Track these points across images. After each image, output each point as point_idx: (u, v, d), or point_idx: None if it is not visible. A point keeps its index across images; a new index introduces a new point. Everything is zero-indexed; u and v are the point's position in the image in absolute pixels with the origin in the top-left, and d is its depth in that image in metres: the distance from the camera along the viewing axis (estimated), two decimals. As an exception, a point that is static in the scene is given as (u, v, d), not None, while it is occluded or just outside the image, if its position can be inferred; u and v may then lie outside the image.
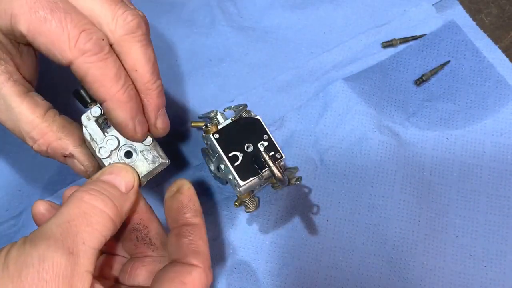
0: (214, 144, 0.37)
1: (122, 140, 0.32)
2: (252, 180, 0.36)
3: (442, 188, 0.44)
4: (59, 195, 0.43)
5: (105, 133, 0.32)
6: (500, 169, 0.44)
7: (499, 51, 0.48)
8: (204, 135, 0.38)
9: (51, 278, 0.24)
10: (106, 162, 0.32)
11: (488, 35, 0.49)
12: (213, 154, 0.39)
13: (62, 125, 0.31)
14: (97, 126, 0.32)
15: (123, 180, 0.30)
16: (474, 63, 0.48)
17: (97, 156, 0.32)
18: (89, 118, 0.32)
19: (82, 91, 0.31)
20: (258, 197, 0.42)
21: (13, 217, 0.42)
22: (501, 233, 0.42)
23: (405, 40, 0.49)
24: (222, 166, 0.38)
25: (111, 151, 0.32)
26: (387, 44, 0.49)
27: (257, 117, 0.38)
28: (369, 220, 0.43)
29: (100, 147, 0.32)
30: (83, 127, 0.32)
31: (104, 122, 0.32)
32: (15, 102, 0.30)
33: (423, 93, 0.47)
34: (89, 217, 0.26)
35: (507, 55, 0.48)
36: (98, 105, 0.32)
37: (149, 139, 0.33)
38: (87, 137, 0.32)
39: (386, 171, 0.44)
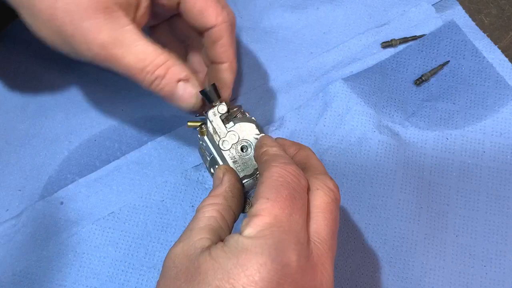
0: (209, 146, 0.37)
1: (240, 136, 0.37)
2: (246, 182, 0.37)
3: (441, 188, 0.44)
4: (59, 195, 0.43)
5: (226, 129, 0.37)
6: (500, 169, 0.44)
7: (499, 51, 0.48)
8: (199, 136, 0.39)
9: None
10: (225, 154, 0.37)
11: (488, 35, 0.49)
12: (208, 154, 0.39)
13: (178, 57, 0.37)
14: (221, 122, 0.37)
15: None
16: (473, 63, 0.48)
17: (218, 148, 0.37)
18: (215, 114, 0.37)
19: (209, 91, 0.36)
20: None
21: (13, 217, 0.42)
22: (501, 233, 0.42)
23: (404, 40, 0.49)
24: (217, 167, 0.38)
25: (232, 144, 0.37)
26: (387, 44, 0.49)
27: (252, 119, 0.38)
28: (369, 220, 0.43)
29: (223, 140, 0.37)
30: (208, 121, 0.37)
31: (225, 119, 0.37)
32: (138, 36, 0.35)
33: (423, 93, 0.47)
34: None
35: (506, 55, 0.48)
36: (224, 103, 0.37)
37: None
38: (211, 130, 0.37)
39: (386, 171, 0.44)
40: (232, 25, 0.39)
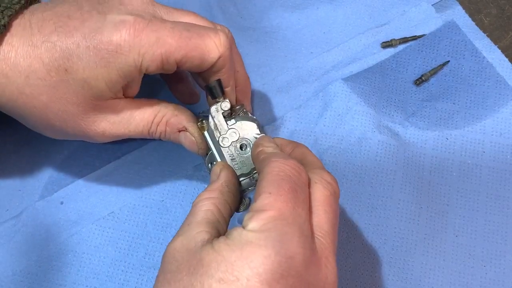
0: (207, 141, 0.37)
1: (240, 134, 0.37)
2: (243, 181, 0.37)
3: (441, 188, 0.44)
4: (59, 195, 0.43)
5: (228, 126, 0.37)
6: (500, 169, 0.44)
7: (499, 51, 0.48)
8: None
9: None
10: (224, 151, 0.37)
11: (488, 35, 0.49)
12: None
13: (175, 106, 0.38)
14: (223, 118, 0.37)
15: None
16: (473, 63, 0.48)
17: (218, 144, 0.37)
18: (218, 110, 0.37)
19: (214, 86, 0.36)
20: (250, 198, 0.42)
21: (13, 217, 0.42)
22: (501, 233, 0.42)
23: (404, 40, 0.49)
24: (215, 163, 0.38)
25: (232, 142, 0.37)
26: (387, 44, 0.49)
27: (254, 118, 0.38)
28: (369, 220, 0.43)
29: (224, 137, 0.37)
30: (210, 117, 0.37)
31: (227, 116, 0.37)
32: (133, 108, 0.36)
33: (423, 93, 0.47)
34: None
35: (506, 55, 0.48)
36: (227, 100, 0.37)
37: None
38: (212, 126, 0.37)
39: (386, 171, 0.44)
40: (232, 41, 0.37)
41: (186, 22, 0.35)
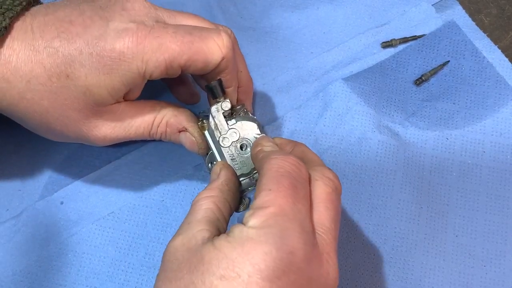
0: (208, 141, 0.37)
1: (241, 134, 0.37)
2: (243, 181, 0.37)
3: (441, 188, 0.44)
4: (59, 195, 0.43)
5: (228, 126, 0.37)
6: (500, 169, 0.44)
7: (499, 51, 0.48)
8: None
9: None
10: (224, 151, 0.37)
11: (488, 35, 0.49)
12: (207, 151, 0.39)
13: (174, 107, 0.38)
14: (224, 118, 0.36)
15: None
16: (473, 63, 0.48)
17: (218, 144, 0.37)
18: (218, 110, 0.36)
19: (215, 86, 0.36)
20: (249, 198, 0.42)
21: (13, 217, 0.42)
22: (501, 233, 0.42)
23: (404, 40, 0.49)
24: (215, 163, 0.38)
25: (232, 142, 0.37)
26: (387, 44, 0.49)
27: (254, 118, 0.38)
28: (369, 220, 0.43)
29: (224, 137, 0.37)
30: (211, 117, 0.37)
31: (228, 116, 0.37)
32: (133, 112, 0.37)
33: (423, 93, 0.47)
34: None
35: (506, 55, 0.48)
36: (228, 100, 0.36)
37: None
38: (212, 125, 0.37)
39: (386, 171, 0.44)
40: (234, 42, 0.37)
41: (188, 25, 0.35)
